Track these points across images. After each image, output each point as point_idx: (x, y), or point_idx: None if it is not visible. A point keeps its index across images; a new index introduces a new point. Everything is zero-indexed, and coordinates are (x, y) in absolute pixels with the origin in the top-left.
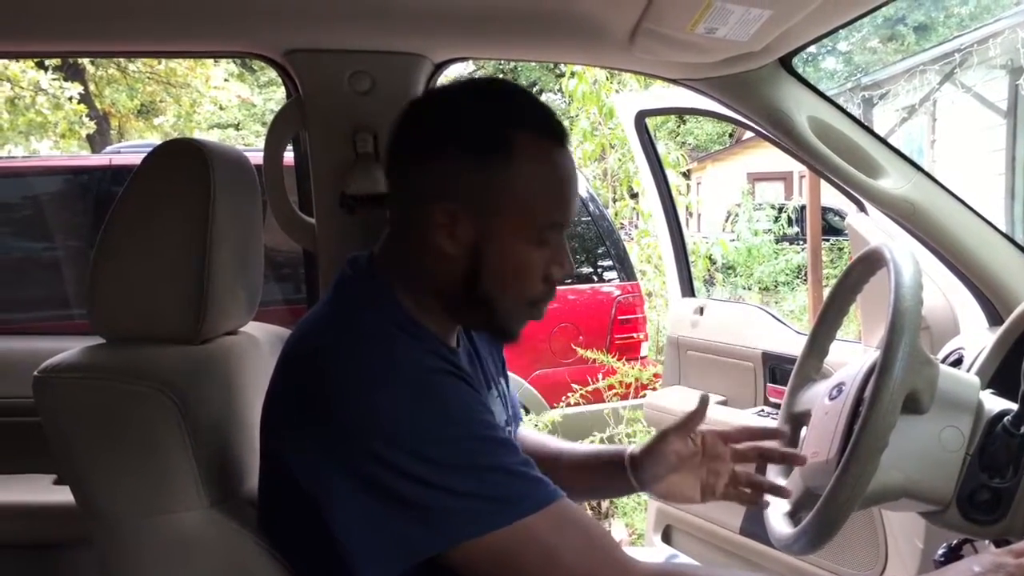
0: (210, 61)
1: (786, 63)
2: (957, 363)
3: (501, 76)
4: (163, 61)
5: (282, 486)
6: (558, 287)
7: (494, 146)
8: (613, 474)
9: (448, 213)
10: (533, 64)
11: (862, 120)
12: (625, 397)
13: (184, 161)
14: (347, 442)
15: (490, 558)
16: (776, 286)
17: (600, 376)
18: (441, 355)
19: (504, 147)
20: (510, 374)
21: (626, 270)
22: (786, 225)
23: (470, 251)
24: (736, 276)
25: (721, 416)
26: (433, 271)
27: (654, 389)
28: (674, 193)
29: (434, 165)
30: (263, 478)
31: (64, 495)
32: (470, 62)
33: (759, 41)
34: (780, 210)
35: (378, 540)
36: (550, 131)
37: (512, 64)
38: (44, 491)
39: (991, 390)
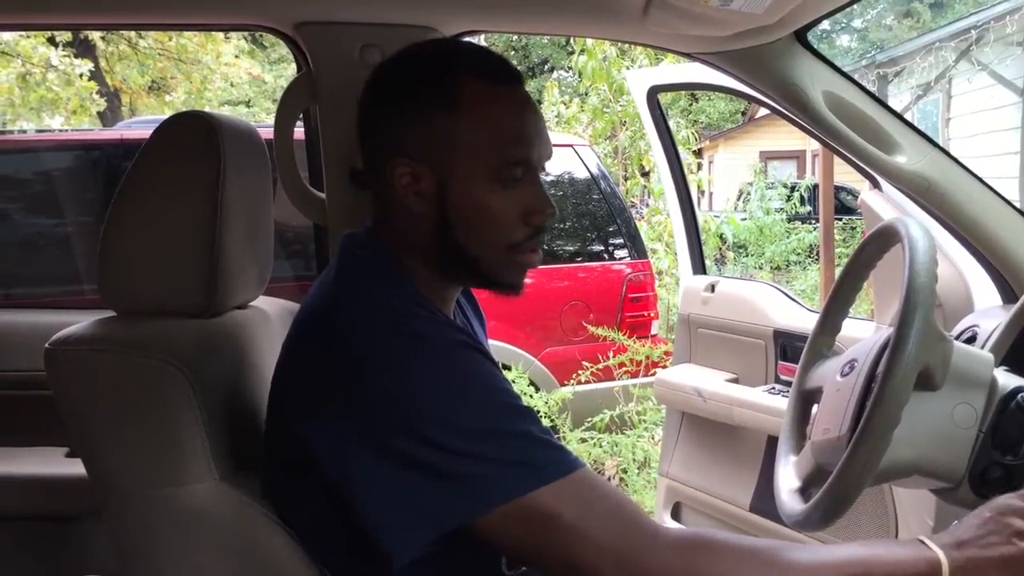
0: (221, 37)
1: (801, 37)
2: (971, 340)
3: (512, 52)
4: (174, 37)
5: (294, 462)
6: (569, 263)
7: (437, 94)
8: None
9: (408, 170)
10: (544, 41)
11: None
12: (635, 375)
13: (193, 134)
14: (373, 416)
15: (518, 526)
16: (788, 265)
17: (611, 354)
18: (457, 328)
19: (446, 93)
20: (524, 352)
21: (637, 248)
22: (798, 204)
23: (436, 203)
24: (747, 255)
25: (732, 393)
26: (411, 233)
27: (664, 367)
28: (685, 171)
29: (388, 125)
30: (269, 453)
31: (76, 467)
32: (482, 36)
33: (774, 14)
34: (792, 189)
35: (405, 512)
36: (494, 73)
37: (523, 41)
38: (57, 463)
39: (1005, 367)
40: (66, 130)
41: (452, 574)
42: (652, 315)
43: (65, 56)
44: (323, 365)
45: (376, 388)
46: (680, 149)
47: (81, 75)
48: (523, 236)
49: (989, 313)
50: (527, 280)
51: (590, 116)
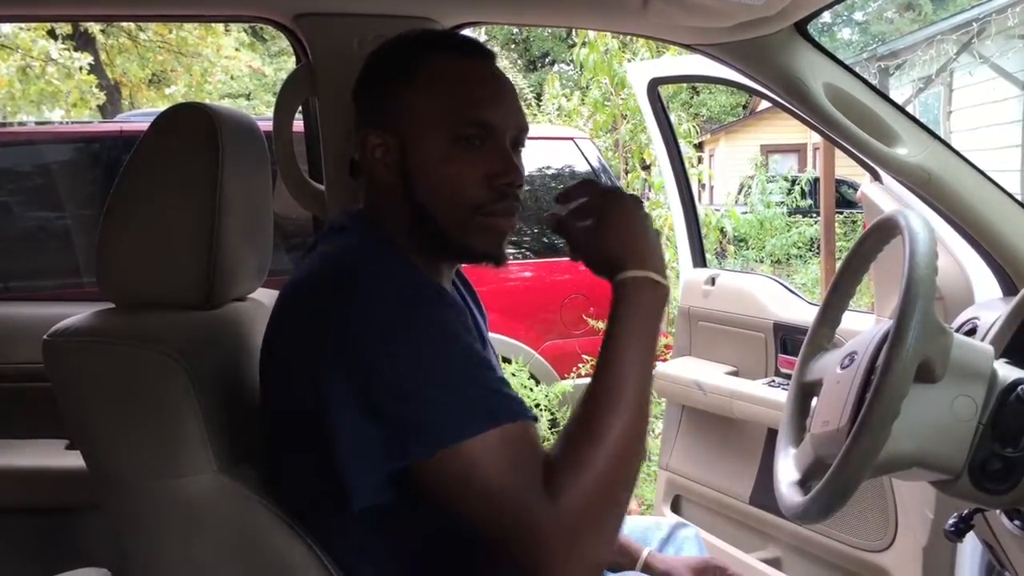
0: (221, 30)
1: (802, 28)
2: (971, 332)
3: (512, 45)
4: (174, 30)
5: (283, 431)
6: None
7: (400, 67)
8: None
9: (378, 141)
10: (545, 34)
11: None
12: None
13: (192, 125)
14: (339, 355)
15: (459, 467)
16: (788, 259)
17: None
18: (433, 285)
19: (408, 65)
20: (524, 345)
21: None
22: (799, 197)
23: (400, 172)
24: (748, 249)
25: (732, 386)
26: (386, 207)
27: (665, 360)
28: (685, 164)
29: (364, 103)
30: (265, 438)
31: (76, 460)
32: (481, 28)
33: (774, 5)
34: (793, 182)
35: (357, 446)
36: (456, 46)
37: (524, 34)
38: (57, 456)
39: (1005, 359)
40: (66, 123)
41: (410, 527)
42: None
43: (65, 49)
44: (300, 312)
45: (342, 327)
46: (681, 142)
47: (81, 68)
48: (486, 198)
49: (989, 305)
50: (526, 273)
51: (591, 109)
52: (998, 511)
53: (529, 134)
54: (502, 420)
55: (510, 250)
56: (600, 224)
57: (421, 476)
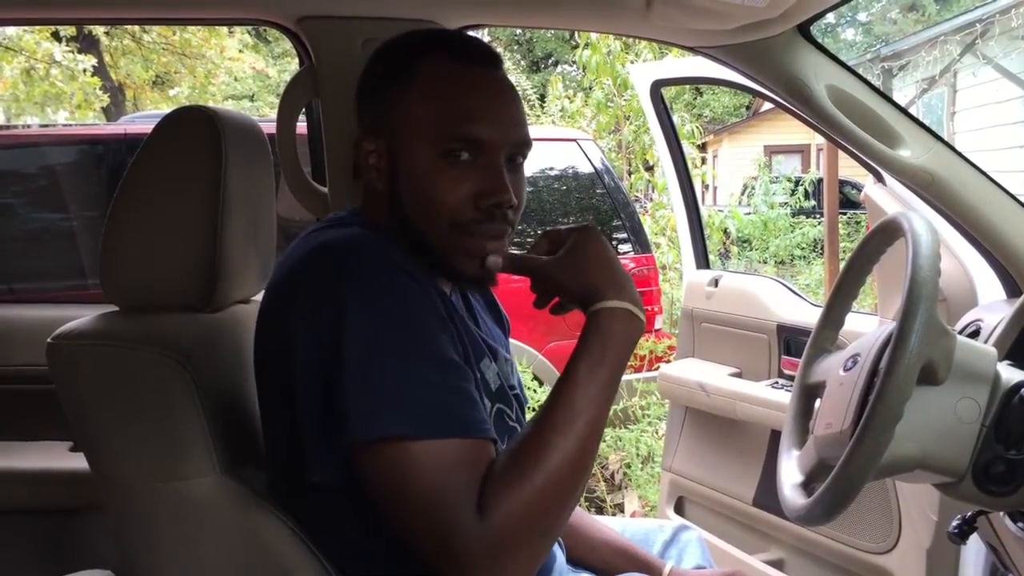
0: (224, 31)
1: (804, 30)
2: (975, 334)
3: (516, 47)
4: (178, 32)
5: (278, 421)
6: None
7: (397, 71)
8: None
9: (372, 147)
10: (548, 35)
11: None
12: (639, 370)
13: (195, 128)
14: (310, 324)
15: (392, 466)
16: (792, 260)
17: None
18: (419, 278)
19: (405, 70)
20: (527, 347)
21: (640, 242)
22: (803, 198)
23: (389, 180)
24: (751, 250)
25: (735, 388)
26: (378, 212)
27: (668, 361)
28: (688, 165)
29: (363, 108)
30: (267, 439)
31: (80, 461)
32: (485, 30)
33: (776, 7)
34: (797, 183)
35: (314, 414)
36: (456, 52)
37: (527, 34)
38: (60, 457)
39: (1008, 361)
40: (70, 125)
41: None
42: (656, 310)
43: (69, 51)
44: (281, 286)
45: (315, 291)
46: (684, 143)
47: (85, 70)
48: (469, 217)
49: (993, 307)
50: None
51: (594, 110)
52: (1002, 513)
53: (532, 135)
54: (446, 431)
55: (514, 250)
56: (575, 252)
57: (359, 463)
